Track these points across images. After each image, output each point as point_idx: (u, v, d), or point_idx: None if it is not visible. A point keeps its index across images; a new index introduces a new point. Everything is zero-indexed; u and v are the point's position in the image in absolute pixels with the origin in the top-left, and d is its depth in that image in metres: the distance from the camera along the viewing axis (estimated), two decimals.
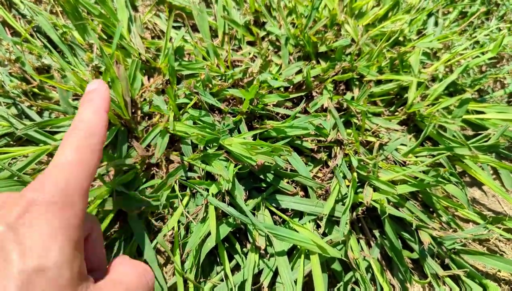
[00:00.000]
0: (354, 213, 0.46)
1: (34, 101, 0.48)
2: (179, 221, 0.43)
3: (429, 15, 0.73)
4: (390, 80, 0.59)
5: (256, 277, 0.42)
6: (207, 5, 0.64)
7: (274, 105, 0.52)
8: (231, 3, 0.62)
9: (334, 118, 0.50)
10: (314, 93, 0.55)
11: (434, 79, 0.65)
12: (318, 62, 0.59)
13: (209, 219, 0.41)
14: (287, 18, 0.62)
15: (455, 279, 0.49)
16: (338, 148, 0.50)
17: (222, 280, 0.42)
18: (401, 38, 0.66)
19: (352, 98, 0.56)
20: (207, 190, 0.42)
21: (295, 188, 0.46)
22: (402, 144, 0.55)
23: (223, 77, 0.52)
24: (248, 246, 0.44)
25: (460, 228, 0.51)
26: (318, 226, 0.47)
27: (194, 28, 0.63)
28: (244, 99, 0.47)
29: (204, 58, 0.54)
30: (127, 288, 0.24)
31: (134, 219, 0.42)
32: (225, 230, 0.42)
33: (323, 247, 0.41)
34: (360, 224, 0.50)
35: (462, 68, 0.60)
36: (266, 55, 0.52)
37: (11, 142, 0.46)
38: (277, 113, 0.51)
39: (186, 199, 0.44)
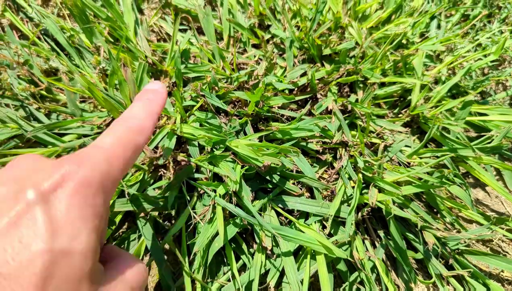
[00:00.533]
0: (360, 214, 0.47)
1: (42, 103, 0.48)
2: (186, 222, 0.44)
3: (432, 18, 0.74)
4: (394, 83, 0.59)
5: (263, 277, 0.43)
6: (212, 8, 0.65)
7: (279, 107, 0.52)
8: (236, 6, 0.62)
9: (339, 120, 0.50)
10: (318, 96, 0.56)
11: (437, 81, 0.66)
12: (322, 65, 0.60)
13: (216, 219, 0.41)
14: (292, 21, 0.63)
15: (459, 279, 0.50)
16: (343, 149, 0.51)
17: (229, 280, 0.42)
18: (404, 41, 0.67)
19: (356, 100, 0.57)
20: (215, 191, 0.43)
21: (301, 189, 0.47)
22: (406, 146, 0.55)
23: (229, 80, 0.53)
24: (255, 246, 0.44)
25: (464, 229, 0.52)
26: (324, 227, 0.47)
27: (200, 31, 0.63)
28: (250, 101, 0.48)
29: (210, 60, 0.55)
30: (131, 287, 0.24)
31: (142, 220, 0.43)
32: (232, 230, 0.43)
33: (329, 247, 0.41)
34: (365, 225, 0.51)
35: (465, 70, 0.61)
36: (271, 58, 0.53)
37: (20, 144, 0.47)
38: (282, 115, 0.52)
39: (193, 200, 0.44)
